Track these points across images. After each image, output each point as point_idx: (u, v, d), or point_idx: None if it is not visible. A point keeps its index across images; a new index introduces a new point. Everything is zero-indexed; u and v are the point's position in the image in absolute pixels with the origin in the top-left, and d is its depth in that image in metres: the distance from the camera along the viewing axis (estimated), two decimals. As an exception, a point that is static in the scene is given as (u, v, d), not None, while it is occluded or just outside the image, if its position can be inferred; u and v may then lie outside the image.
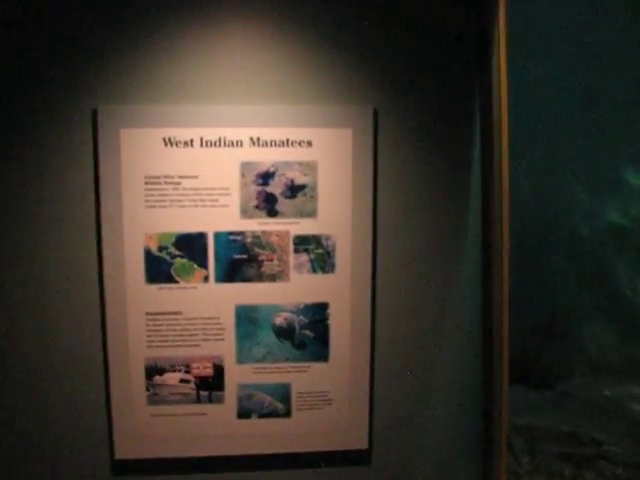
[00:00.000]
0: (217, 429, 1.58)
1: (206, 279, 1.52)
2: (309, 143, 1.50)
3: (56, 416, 1.56)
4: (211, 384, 1.56)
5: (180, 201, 1.49)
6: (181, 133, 1.48)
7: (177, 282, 1.52)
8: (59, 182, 1.49)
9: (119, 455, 1.57)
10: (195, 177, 1.49)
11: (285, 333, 1.56)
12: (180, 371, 1.55)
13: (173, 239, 1.50)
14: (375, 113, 1.51)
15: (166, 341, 1.54)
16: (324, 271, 1.54)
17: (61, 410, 1.56)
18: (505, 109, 1.49)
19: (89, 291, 1.52)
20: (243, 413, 1.58)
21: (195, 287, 1.52)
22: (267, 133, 1.49)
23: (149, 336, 1.53)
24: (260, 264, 1.52)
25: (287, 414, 1.59)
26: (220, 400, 1.57)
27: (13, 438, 1.56)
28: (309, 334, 1.56)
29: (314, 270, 1.53)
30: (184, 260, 1.51)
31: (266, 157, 1.50)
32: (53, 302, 1.52)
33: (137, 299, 1.52)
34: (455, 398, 1.64)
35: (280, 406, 1.58)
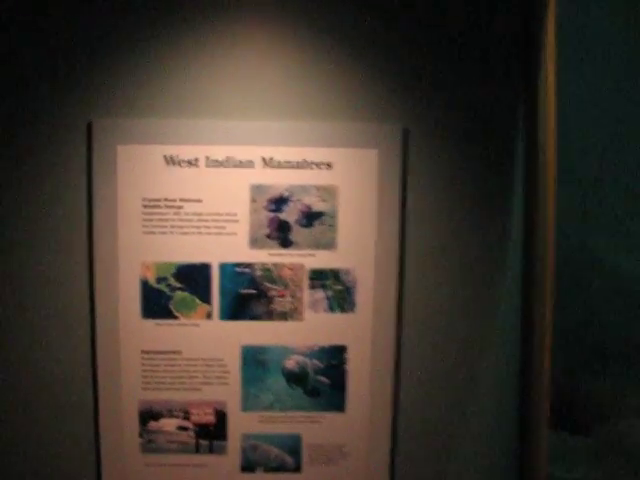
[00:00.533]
0: None
1: (209, 315, 1.36)
2: (329, 165, 1.33)
3: (39, 462, 1.40)
4: (212, 433, 1.40)
5: (182, 227, 1.33)
6: (184, 151, 1.32)
7: (177, 318, 1.36)
8: (49, 203, 1.34)
9: (108, 509, 1.41)
10: (199, 201, 1.33)
11: (297, 378, 1.39)
12: (178, 417, 1.40)
13: (173, 270, 1.35)
14: (405, 133, 1.34)
15: (163, 383, 1.38)
16: (343, 310, 1.37)
17: (45, 455, 1.40)
18: (552, 132, 1.30)
19: (79, 325, 1.36)
20: (247, 466, 1.42)
21: (197, 324, 1.36)
22: (281, 153, 1.33)
23: (145, 377, 1.38)
24: (270, 300, 1.36)
25: (297, 469, 1.42)
26: (222, 451, 1.41)
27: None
28: (324, 380, 1.39)
29: (331, 309, 1.37)
30: (185, 294, 1.35)
31: (280, 180, 1.34)
32: (40, 335, 1.37)
33: (132, 335, 1.36)
34: (488, 456, 1.45)
35: (289, 459, 1.42)
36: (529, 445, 1.43)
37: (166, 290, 1.35)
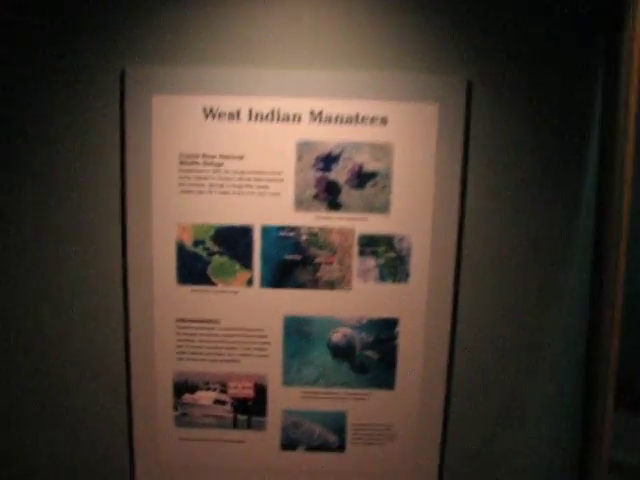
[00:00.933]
0: (256, 460, 1.33)
1: (250, 282, 1.26)
2: (384, 120, 1.21)
3: (71, 435, 1.34)
4: (251, 408, 1.31)
5: (221, 186, 1.23)
6: (225, 103, 1.21)
7: (215, 284, 1.26)
8: (80, 158, 1.24)
9: (141, 482, 1.35)
10: (240, 158, 1.22)
11: (343, 353, 1.29)
12: (215, 390, 1.31)
13: (212, 232, 1.25)
14: (469, 86, 1.20)
15: (200, 354, 1.29)
16: (395, 280, 1.26)
17: (77, 427, 1.34)
18: (635, 92, 1.16)
19: (111, 291, 1.28)
20: (288, 444, 1.33)
21: (236, 291, 1.27)
22: (332, 106, 1.21)
23: (179, 347, 1.29)
24: (316, 268, 1.25)
25: (341, 448, 1.33)
26: (261, 427, 1.32)
27: (20, 463, 1.35)
28: (372, 355, 1.29)
29: (382, 278, 1.26)
30: (224, 258, 1.25)
31: (329, 136, 1.22)
32: (69, 302, 1.29)
33: (166, 302, 1.27)
34: (548, 441, 1.34)
35: (332, 438, 1.32)
36: (592, 431, 1.32)
37: (203, 254, 1.25)
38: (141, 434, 1.33)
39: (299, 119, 1.21)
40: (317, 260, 1.25)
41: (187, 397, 1.31)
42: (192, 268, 1.26)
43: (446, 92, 1.20)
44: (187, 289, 1.27)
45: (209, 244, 1.25)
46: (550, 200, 1.25)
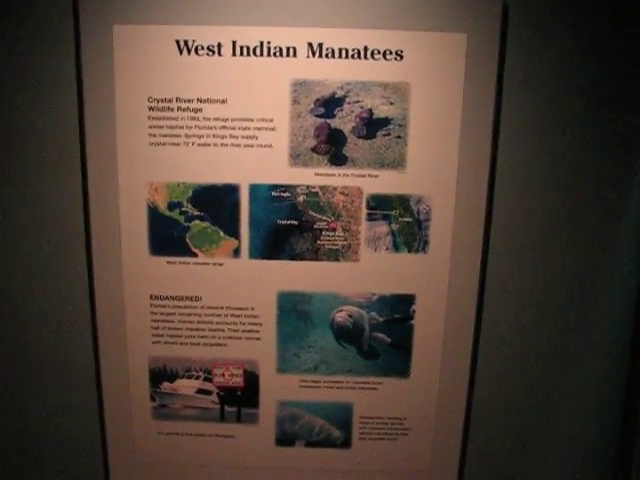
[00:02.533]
0: (248, 457, 1.17)
1: (237, 252, 1.07)
2: (398, 54, 0.99)
3: (38, 430, 1.19)
4: (241, 398, 1.14)
5: (200, 137, 1.03)
6: (204, 34, 0.99)
7: (195, 255, 1.08)
8: (31, 101, 1.03)
9: (115, 481, 1.19)
10: (223, 102, 1.01)
11: (348, 335, 1.11)
12: (198, 378, 1.14)
13: (190, 193, 1.05)
14: (504, 11, 0.98)
15: (179, 336, 1.12)
16: (411, 249, 1.06)
17: (43, 423, 1.18)
18: None
19: (72, 264, 1.09)
20: (284, 439, 1.16)
21: (221, 263, 1.08)
22: (334, 37, 0.99)
23: (155, 328, 1.11)
24: (316, 235, 1.06)
25: (346, 444, 1.16)
26: (253, 420, 1.15)
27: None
28: (383, 338, 1.11)
29: (396, 247, 1.06)
30: (205, 224, 1.06)
31: (331, 74, 1.00)
32: (25, 278, 1.11)
33: (138, 277, 1.09)
34: (584, 446, 1.18)
35: (337, 433, 1.16)
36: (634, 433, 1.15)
37: (180, 219, 1.06)
38: (115, 428, 1.16)
39: (294, 53, 1.00)
40: (317, 226, 1.06)
41: (166, 386, 1.14)
42: (167, 236, 1.07)
43: (476, 19, 0.98)
44: (162, 261, 1.08)
45: (187, 207, 1.06)
46: (600, 161, 1.04)
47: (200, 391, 1.14)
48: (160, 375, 1.13)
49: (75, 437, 1.18)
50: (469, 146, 1.02)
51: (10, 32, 1.01)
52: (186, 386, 1.13)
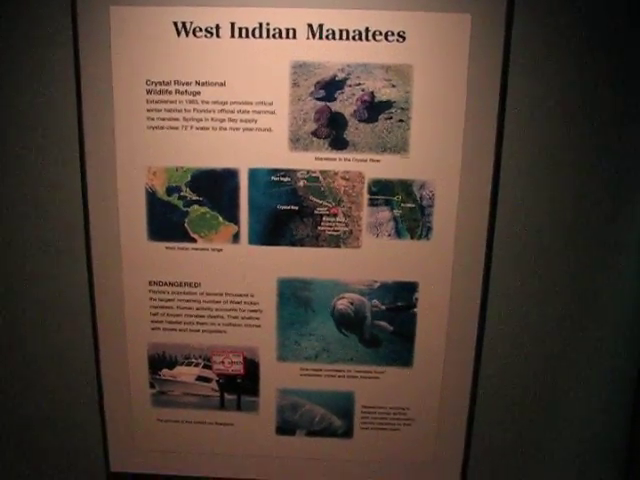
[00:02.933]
0: (247, 446, 1.16)
1: (236, 238, 1.05)
2: (401, 36, 0.96)
3: (37, 417, 1.18)
4: (241, 386, 1.13)
5: (199, 120, 1.01)
6: (202, 16, 0.97)
7: (194, 240, 1.06)
8: (28, 85, 1.02)
9: (115, 467, 1.19)
10: (222, 84, 0.99)
11: (350, 323, 1.08)
12: (197, 365, 1.12)
13: (188, 177, 1.03)
14: (510, -9, 0.95)
15: (178, 323, 1.10)
16: (414, 235, 1.04)
17: (42, 410, 1.18)
18: None
19: (71, 250, 1.08)
20: (285, 428, 1.15)
21: (220, 249, 1.06)
22: (334, 18, 0.96)
23: (154, 314, 1.10)
24: (317, 220, 1.04)
25: (347, 434, 1.14)
26: (253, 408, 1.14)
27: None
28: (386, 326, 1.08)
29: (399, 233, 1.04)
30: (204, 209, 1.04)
31: (332, 56, 0.98)
32: (24, 265, 1.10)
33: (136, 262, 1.07)
34: (591, 438, 1.15)
35: (338, 422, 1.14)
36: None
37: (179, 204, 1.05)
38: (114, 415, 1.16)
39: (294, 35, 0.97)
40: (318, 211, 1.04)
41: (165, 373, 1.13)
42: (166, 221, 1.05)
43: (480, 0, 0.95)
44: (160, 246, 1.07)
45: (186, 191, 1.04)
46: (613, 149, 1.01)
47: (200, 378, 1.12)
48: (159, 362, 1.12)
49: (74, 424, 1.17)
50: (473, 130, 0.99)
51: (6, 12, 0.99)
52: (185, 373, 1.12)
